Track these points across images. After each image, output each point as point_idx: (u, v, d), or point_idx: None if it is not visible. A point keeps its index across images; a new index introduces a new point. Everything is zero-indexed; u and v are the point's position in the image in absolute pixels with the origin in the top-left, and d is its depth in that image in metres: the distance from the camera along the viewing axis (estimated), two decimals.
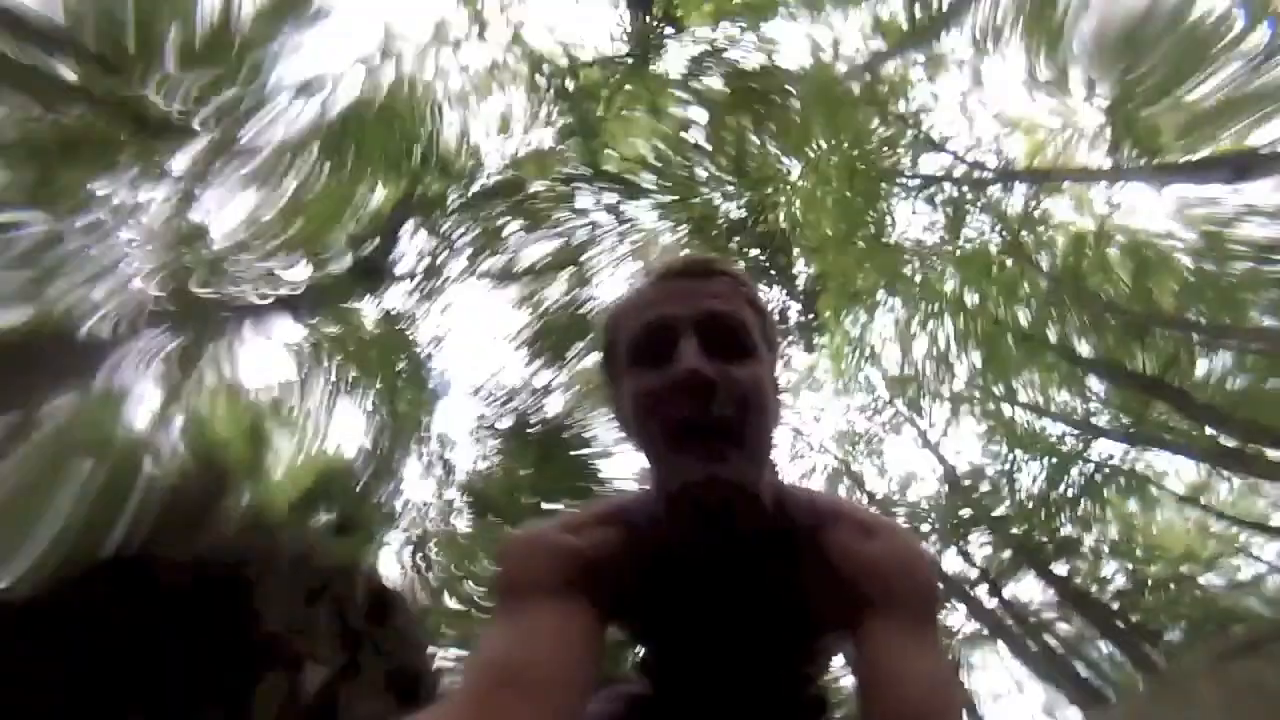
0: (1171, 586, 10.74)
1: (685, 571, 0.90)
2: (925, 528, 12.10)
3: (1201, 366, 9.27)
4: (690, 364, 0.78)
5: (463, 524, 10.47)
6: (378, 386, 10.80)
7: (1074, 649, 11.18)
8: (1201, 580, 11.15)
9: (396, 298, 11.53)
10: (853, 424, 13.17)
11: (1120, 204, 9.41)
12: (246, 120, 8.08)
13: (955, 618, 11.68)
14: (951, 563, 12.04)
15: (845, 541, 0.88)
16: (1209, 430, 9.33)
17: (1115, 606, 10.72)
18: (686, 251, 10.24)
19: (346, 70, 8.93)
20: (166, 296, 8.72)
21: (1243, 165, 8.13)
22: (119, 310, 7.89)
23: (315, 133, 9.05)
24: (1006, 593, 11.49)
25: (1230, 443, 9.10)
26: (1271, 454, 8.48)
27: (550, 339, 11.95)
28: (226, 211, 8.53)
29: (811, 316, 10.95)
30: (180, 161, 7.80)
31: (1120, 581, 11.20)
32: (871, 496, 12.84)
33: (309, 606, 2.59)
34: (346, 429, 10.63)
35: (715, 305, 0.84)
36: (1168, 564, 11.11)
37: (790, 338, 11.68)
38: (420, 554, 10.26)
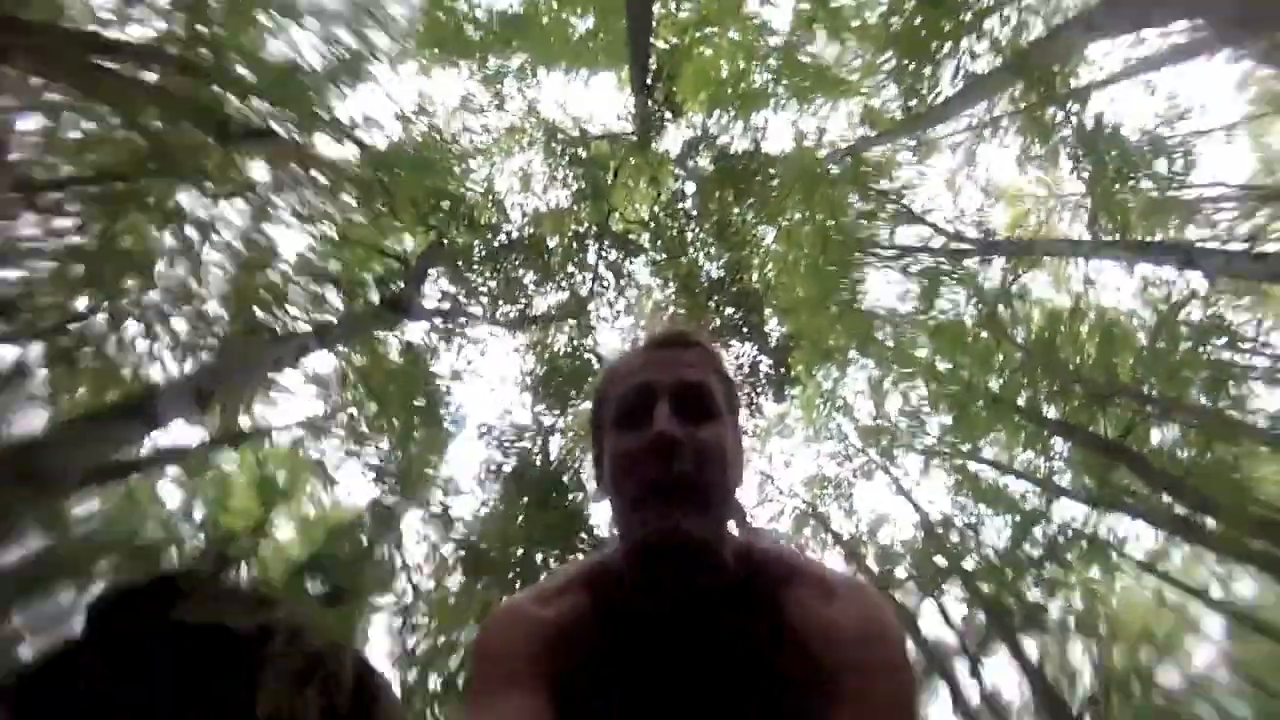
0: (1133, 684, 11.13)
1: (647, 628, 0.93)
2: (900, 571, 12.79)
3: (1155, 436, 9.97)
4: (660, 426, 0.86)
5: (455, 583, 11.16)
6: (395, 421, 11.88)
7: None
8: (1158, 676, 11.51)
9: (418, 334, 12.92)
10: (822, 469, 13.99)
11: (1095, 280, 10.30)
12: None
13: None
14: (930, 621, 12.64)
15: (804, 601, 0.89)
16: (1165, 498, 10.02)
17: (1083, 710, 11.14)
18: (671, 317, 11.43)
19: (383, 120, 10.22)
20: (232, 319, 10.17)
21: (1188, 254, 9.05)
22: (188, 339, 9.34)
23: (353, 174, 10.25)
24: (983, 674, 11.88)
25: (1181, 510, 9.78)
26: (1211, 523, 9.15)
27: (554, 383, 13.12)
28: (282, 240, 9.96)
29: (783, 370, 11.87)
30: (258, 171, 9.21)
31: (1087, 678, 11.63)
32: (838, 537, 13.57)
33: (299, 688, 2.64)
34: (358, 480, 11.88)
35: (688, 374, 0.94)
36: (1129, 647, 11.53)
37: (760, 390, 12.59)
38: (408, 623, 11.08)
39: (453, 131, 11.71)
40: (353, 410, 11.88)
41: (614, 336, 13.19)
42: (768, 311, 12.28)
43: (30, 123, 6.92)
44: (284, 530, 12.65)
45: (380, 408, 11.80)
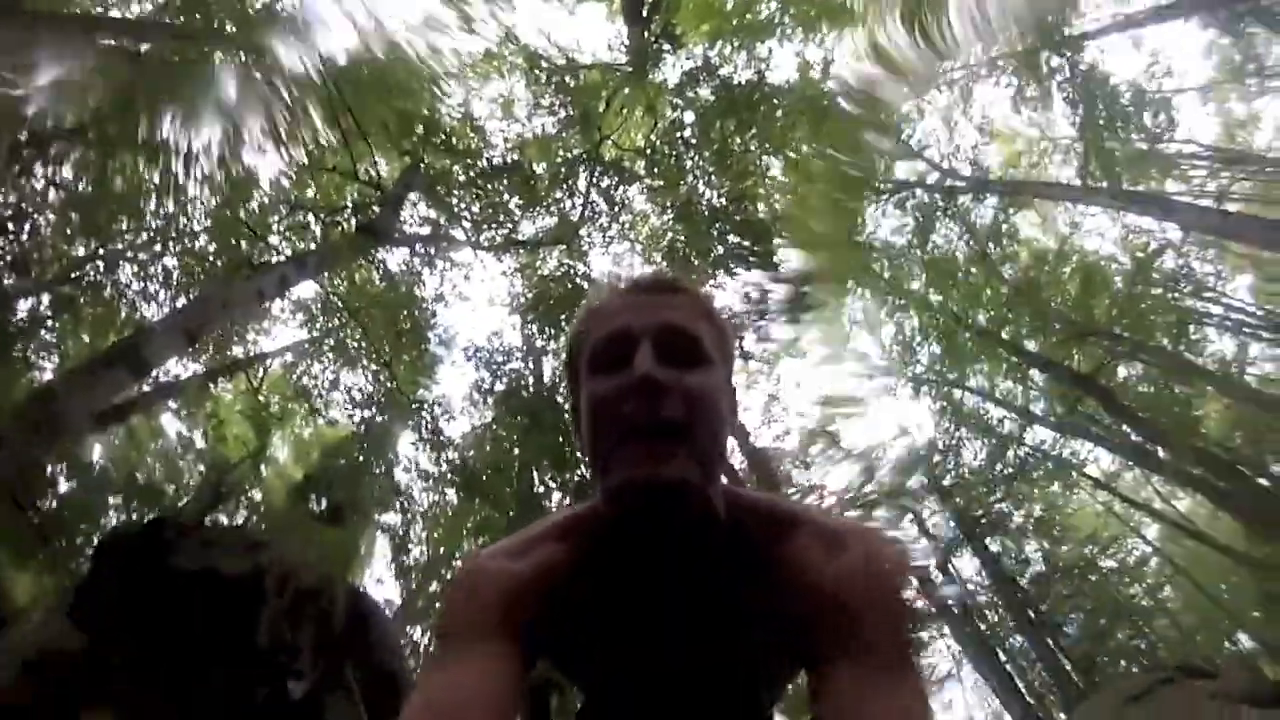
0: (1077, 571, 12.85)
1: (629, 577, 0.90)
2: (887, 489, 14.08)
3: (1122, 372, 11.00)
4: (644, 369, 0.81)
5: (449, 501, 11.83)
6: (383, 345, 12.26)
7: (998, 637, 13.38)
8: (1101, 564, 13.34)
9: (401, 260, 13.08)
10: (826, 391, 14.92)
11: (1080, 224, 10.95)
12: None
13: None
14: (908, 532, 14.07)
15: (806, 555, 0.84)
16: (1124, 427, 11.19)
17: (1031, 593, 12.81)
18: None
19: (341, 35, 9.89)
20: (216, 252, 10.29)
21: (1166, 206, 9.71)
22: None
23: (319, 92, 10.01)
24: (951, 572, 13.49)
25: (1137, 438, 10.98)
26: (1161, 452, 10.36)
27: (545, 306, 13.49)
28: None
29: (795, 298, 12.37)
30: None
31: (1038, 565, 13.32)
32: (849, 453, 14.74)
33: (294, 624, 2.79)
34: (349, 401, 12.39)
35: (673, 318, 0.88)
36: (1077, 544, 13.26)
37: (771, 316, 13.17)
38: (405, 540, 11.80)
39: (416, 52, 11.37)
40: (340, 335, 12.29)
41: (606, 261, 13.49)
42: (775, 242, 12.65)
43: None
44: (282, 453, 13.19)
45: (365, 332, 12.11)
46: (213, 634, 2.67)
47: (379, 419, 12.30)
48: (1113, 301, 10.65)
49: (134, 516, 10.50)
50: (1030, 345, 11.80)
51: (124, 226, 9.16)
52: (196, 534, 3.19)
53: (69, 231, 8.46)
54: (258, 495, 13.76)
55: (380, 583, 14.36)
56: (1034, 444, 12.61)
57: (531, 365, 14.29)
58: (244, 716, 2.50)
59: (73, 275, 8.94)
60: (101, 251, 9.16)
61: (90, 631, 2.65)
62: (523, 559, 0.92)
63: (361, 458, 12.07)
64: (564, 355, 1.00)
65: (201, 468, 12.33)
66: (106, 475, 10.00)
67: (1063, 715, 12.13)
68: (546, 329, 13.87)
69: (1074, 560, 13.11)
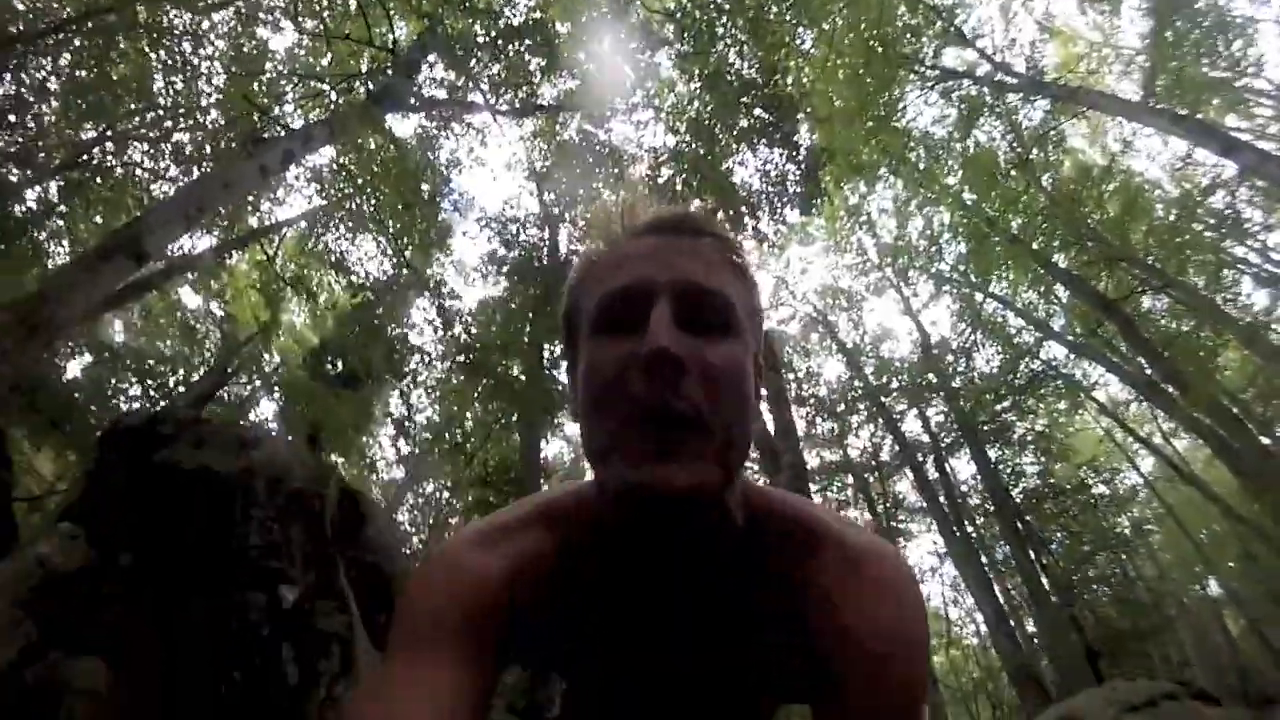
0: (1068, 489, 13.38)
1: (624, 594, 0.79)
2: (894, 384, 14.51)
3: (1146, 303, 10.88)
4: (659, 339, 0.65)
5: (459, 369, 12.44)
6: (398, 207, 12.50)
7: (983, 543, 14.17)
8: (1093, 488, 13.82)
9: (416, 125, 12.98)
10: (838, 280, 14.97)
11: (1132, 144, 10.33)
12: None
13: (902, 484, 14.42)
14: (911, 425, 14.64)
15: (828, 582, 0.76)
16: (1140, 359, 11.23)
17: (1021, 506, 13.44)
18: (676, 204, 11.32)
19: None
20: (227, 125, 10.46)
21: (1228, 141, 9.14)
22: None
23: None
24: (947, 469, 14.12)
25: (1151, 373, 11.06)
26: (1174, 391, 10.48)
27: (564, 173, 13.42)
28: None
29: (811, 182, 12.14)
30: None
31: (1032, 481, 13.85)
32: (843, 346, 15.08)
33: (283, 527, 2.74)
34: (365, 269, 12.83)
35: (700, 273, 0.72)
36: (1072, 465, 13.70)
37: (787, 200, 13.01)
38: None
39: None
40: (353, 204, 12.52)
41: (630, 129, 13.19)
42: (800, 118, 12.20)
43: None
44: (299, 319, 13.93)
45: (378, 199, 12.33)
46: (206, 539, 2.66)
47: (392, 288, 12.77)
48: (1151, 230, 10.29)
49: (149, 391, 11.46)
50: (1059, 260, 11.59)
51: (133, 107, 9.26)
52: (193, 429, 3.09)
53: (72, 116, 8.63)
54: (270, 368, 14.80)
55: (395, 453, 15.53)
56: (1047, 359, 12.71)
57: (547, 234, 14.50)
58: (234, 629, 2.51)
59: (80, 159, 9.18)
60: (110, 134, 9.34)
61: (90, 537, 2.71)
62: (499, 549, 0.81)
63: (376, 324, 12.71)
64: (561, 307, 0.83)
65: (219, 335, 13.17)
66: (118, 357, 10.74)
67: (1031, 624, 13.28)
68: (565, 197, 13.91)
69: (1067, 479, 13.63)
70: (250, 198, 11.54)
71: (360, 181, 12.18)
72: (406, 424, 13.51)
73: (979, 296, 13.01)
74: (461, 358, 11.90)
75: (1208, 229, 9.64)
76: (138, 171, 10.00)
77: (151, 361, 11.11)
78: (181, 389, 11.41)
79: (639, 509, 0.70)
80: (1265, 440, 9.48)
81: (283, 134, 10.22)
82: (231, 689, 2.50)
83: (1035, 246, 11.70)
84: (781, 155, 12.70)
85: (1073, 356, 12.40)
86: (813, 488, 13.85)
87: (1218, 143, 9.18)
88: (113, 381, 10.66)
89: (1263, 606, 13.41)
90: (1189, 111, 9.23)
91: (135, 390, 10.96)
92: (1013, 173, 11.40)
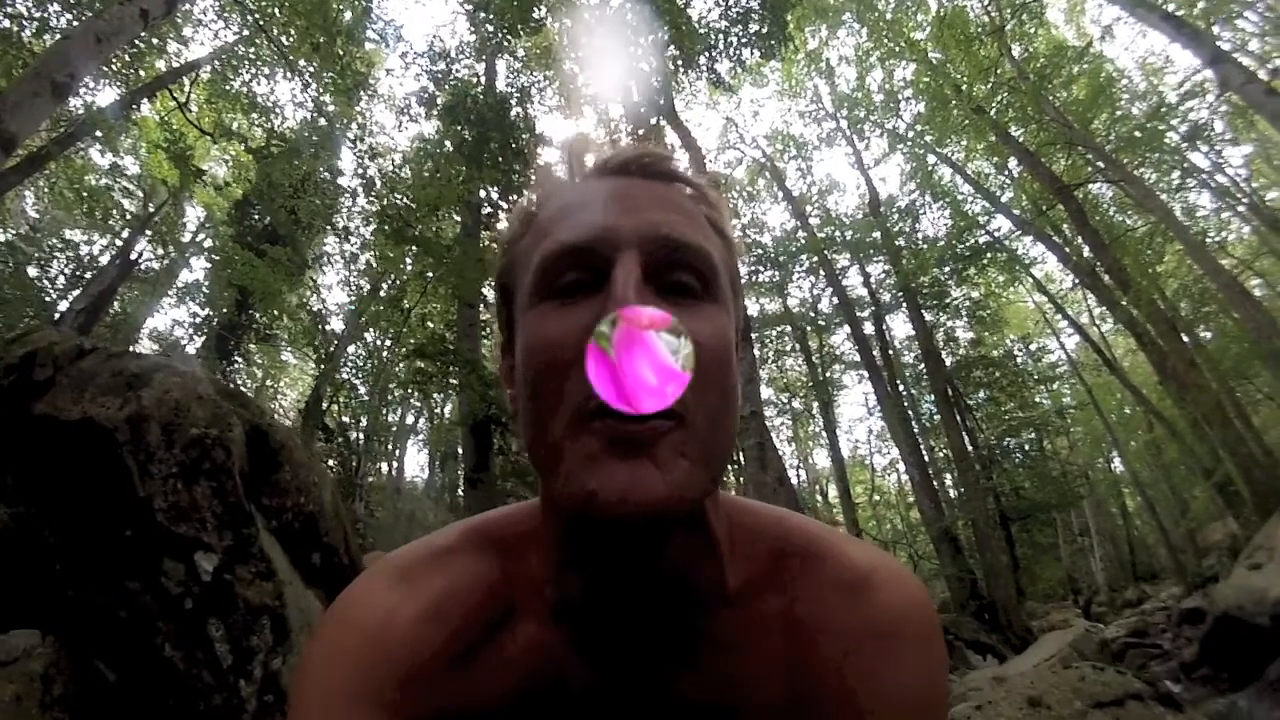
0: (995, 358, 14.10)
1: (578, 637, 0.62)
2: (838, 237, 14.64)
3: (1096, 190, 10.99)
4: (626, 299, 0.49)
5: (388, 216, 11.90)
6: (320, 40, 11.41)
7: (914, 402, 14.94)
8: (1018, 358, 14.60)
9: None
10: (789, 126, 14.44)
11: (1112, 30, 9.82)
12: None
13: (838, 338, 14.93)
14: (852, 280, 14.95)
15: (827, 616, 0.61)
16: (1082, 243, 11.53)
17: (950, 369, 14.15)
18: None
19: None
20: None
21: (1217, 56, 8.84)
22: None
23: None
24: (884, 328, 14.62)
25: (1091, 259, 11.43)
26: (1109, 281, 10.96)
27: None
28: None
29: (774, 24, 11.33)
30: None
31: (963, 347, 14.47)
32: (789, 194, 14.94)
33: (188, 487, 2.43)
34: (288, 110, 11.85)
35: (672, 225, 0.55)
36: (1003, 336, 14.35)
37: (748, 42, 12.18)
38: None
39: None
40: (263, 38, 11.32)
41: None
42: None
43: None
44: (220, 169, 13.11)
45: (298, 28, 11.25)
46: (100, 506, 2.29)
47: (310, 136, 11.99)
48: (1114, 120, 10.16)
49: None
50: (1019, 135, 11.44)
51: None
52: (75, 365, 2.60)
53: None
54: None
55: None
56: (993, 231, 12.91)
57: (484, 68, 13.40)
58: (150, 609, 2.18)
59: None
60: None
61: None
62: (419, 586, 0.63)
63: (303, 169, 12.05)
64: (496, 269, 0.65)
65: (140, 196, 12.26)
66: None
67: (950, 481, 14.49)
68: (504, 26, 12.66)
69: (996, 348, 14.35)
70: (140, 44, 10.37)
71: (270, 12, 11.01)
72: (344, 272, 13.25)
73: (932, 159, 12.86)
74: (385, 226, 11.41)
75: (1171, 131, 9.52)
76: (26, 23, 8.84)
77: (54, 241, 10.50)
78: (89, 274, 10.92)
79: (601, 527, 0.52)
80: (1186, 340, 10.13)
81: None
82: (163, 674, 2.17)
83: (995, 115, 11.47)
84: None
85: (1016, 232, 12.60)
86: (753, 337, 14.33)
87: (1206, 50, 8.86)
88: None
89: (1159, 489, 14.94)
90: (1175, 9, 8.77)
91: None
92: (983, 38, 10.86)
